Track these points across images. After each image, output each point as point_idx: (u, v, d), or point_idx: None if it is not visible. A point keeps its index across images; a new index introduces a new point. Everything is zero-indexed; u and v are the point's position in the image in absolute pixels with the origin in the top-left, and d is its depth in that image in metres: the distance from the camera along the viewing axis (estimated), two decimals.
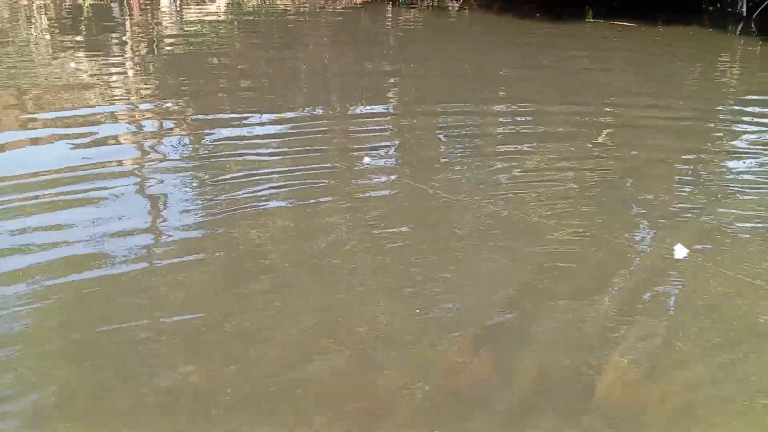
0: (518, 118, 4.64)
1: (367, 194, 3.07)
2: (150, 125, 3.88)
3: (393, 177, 3.30)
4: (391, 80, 5.76)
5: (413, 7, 11.60)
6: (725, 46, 8.94)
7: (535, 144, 4.01)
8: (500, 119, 4.61)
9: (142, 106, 4.22)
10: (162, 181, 3.04)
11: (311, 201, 2.89)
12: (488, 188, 3.20)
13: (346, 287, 2.29)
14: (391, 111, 4.72)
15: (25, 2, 8.12)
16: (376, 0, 11.90)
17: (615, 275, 2.44)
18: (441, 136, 4.18)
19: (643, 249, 2.69)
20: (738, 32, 11.33)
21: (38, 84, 4.45)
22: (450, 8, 11.96)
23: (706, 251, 2.67)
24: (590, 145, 4.03)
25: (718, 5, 16.61)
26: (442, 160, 3.66)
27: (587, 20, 11.87)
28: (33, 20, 6.90)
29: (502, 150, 3.87)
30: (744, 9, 15.15)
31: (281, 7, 9.99)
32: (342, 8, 10.46)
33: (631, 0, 15.61)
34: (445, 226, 2.78)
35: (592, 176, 3.44)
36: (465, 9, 12.05)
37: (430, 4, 12.21)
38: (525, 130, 4.40)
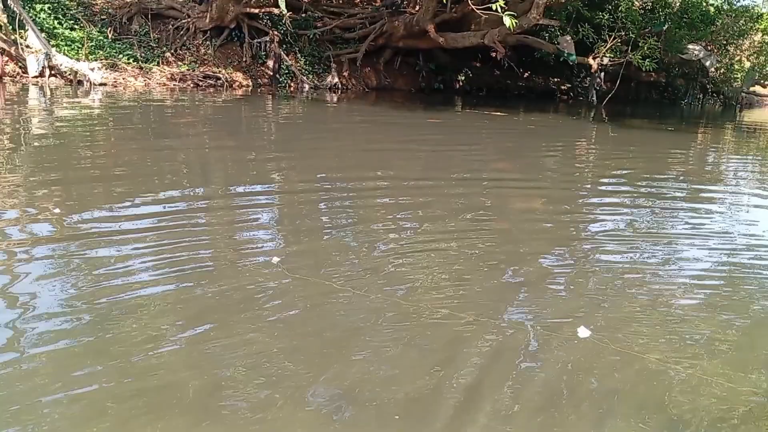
0: (398, 195, 4.80)
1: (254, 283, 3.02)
2: (15, 218, 3.65)
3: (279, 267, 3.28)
4: (271, 165, 5.83)
5: (292, 98, 11.91)
6: (581, 130, 9.76)
7: (415, 221, 4.16)
8: (378, 194, 4.74)
9: (8, 199, 3.98)
10: (28, 274, 2.85)
11: (195, 292, 2.81)
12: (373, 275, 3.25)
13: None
14: (275, 190, 4.75)
15: None
16: (255, 93, 12.14)
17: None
18: (323, 208, 4.24)
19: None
20: (591, 118, 12.44)
21: None
22: (328, 99, 12.38)
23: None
24: (467, 219, 4.23)
25: (571, 94, 18.37)
26: (324, 237, 3.69)
27: (457, 110, 12.64)
28: None
29: (382, 228, 3.97)
30: (594, 98, 16.78)
31: (159, 98, 9.92)
32: (222, 101, 10.56)
33: (493, 91, 16.92)
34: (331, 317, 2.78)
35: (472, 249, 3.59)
36: (342, 100, 12.52)
37: (309, 96, 12.61)
38: (403, 201, 4.56)
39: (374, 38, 14.45)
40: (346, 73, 14.48)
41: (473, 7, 9.06)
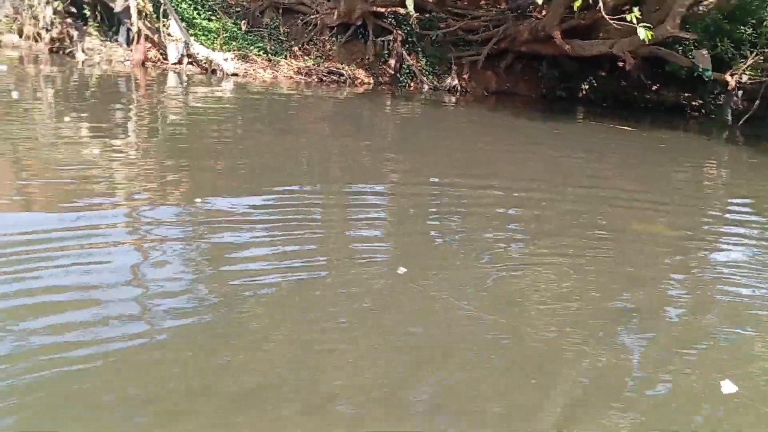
0: (511, 204, 4.74)
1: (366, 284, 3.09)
2: (148, 203, 3.91)
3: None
4: (389, 161, 5.92)
5: (411, 98, 12.01)
6: (712, 151, 9.21)
7: (526, 233, 4.09)
8: (490, 201, 4.70)
9: (142, 183, 4.27)
10: (160, 257, 3.06)
11: (309, 290, 2.91)
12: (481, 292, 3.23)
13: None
14: (386, 190, 4.82)
15: (33, 73, 8.34)
16: (376, 90, 12.33)
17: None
18: (434, 211, 4.26)
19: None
20: (725, 139, 11.67)
21: (35, 146, 4.53)
22: (446, 101, 12.37)
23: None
24: (581, 236, 4.11)
25: (702, 111, 17.22)
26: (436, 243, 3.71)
27: (579, 120, 12.27)
28: (39, 93, 7.07)
29: (492, 237, 3.94)
30: (729, 117, 15.75)
31: (285, 92, 10.30)
32: (343, 97, 10.81)
33: (619, 102, 16.21)
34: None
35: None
36: (461, 102, 12.47)
37: (428, 96, 12.66)
38: (515, 212, 4.50)
39: (497, 41, 14.27)
40: (466, 76, 14.40)
41: (605, 15, 8.76)
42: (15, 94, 6.36)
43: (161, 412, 1.91)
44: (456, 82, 13.92)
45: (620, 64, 14.04)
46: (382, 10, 13.21)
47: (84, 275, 2.69)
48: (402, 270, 3.11)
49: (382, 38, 13.48)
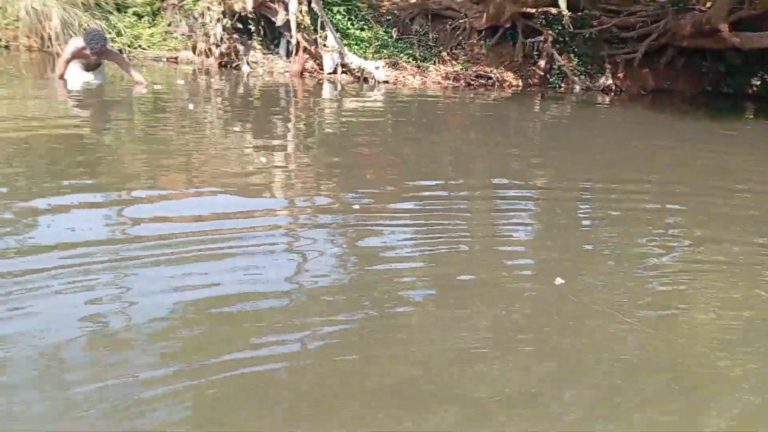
0: (670, 211, 4.50)
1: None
2: (303, 202, 4.15)
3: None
4: (538, 163, 5.84)
5: (562, 99, 11.71)
6: None
7: (688, 239, 3.87)
8: (646, 206, 4.49)
9: (297, 183, 4.54)
10: (308, 242, 3.25)
11: (459, 296, 2.95)
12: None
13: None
14: (536, 193, 4.76)
15: (204, 85, 9.09)
16: (524, 92, 12.15)
17: None
18: (586, 215, 4.15)
19: None
20: None
21: (205, 153, 4.96)
22: (599, 101, 11.93)
23: None
24: (754, 245, 3.83)
25: None
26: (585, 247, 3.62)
27: (747, 118, 11.35)
28: (209, 104, 7.70)
29: (646, 242, 3.77)
30: None
31: (433, 96, 10.46)
32: (492, 99, 10.77)
33: None
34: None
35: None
36: (615, 102, 11.97)
37: (580, 97, 12.28)
38: (674, 219, 4.26)
39: (656, 37, 13.54)
40: (621, 74, 13.79)
41: None
42: (191, 106, 6.98)
43: (317, 406, 2.04)
44: (610, 81, 13.39)
45: None
46: (532, 11, 13.00)
47: (242, 272, 2.91)
48: (560, 281, 3.05)
49: (532, 39, 13.25)
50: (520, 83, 12.92)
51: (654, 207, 4.62)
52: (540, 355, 2.41)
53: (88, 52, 6.88)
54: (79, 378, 2.01)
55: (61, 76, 7.10)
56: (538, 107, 10.59)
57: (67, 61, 7.08)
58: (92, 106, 6.68)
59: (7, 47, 10.19)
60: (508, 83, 12.79)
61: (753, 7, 12.07)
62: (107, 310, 2.43)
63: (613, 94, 13.18)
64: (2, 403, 1.87)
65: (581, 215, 4.38)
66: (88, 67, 7.25)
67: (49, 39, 10.08)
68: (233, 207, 3.79)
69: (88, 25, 10.11)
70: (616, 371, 2.34)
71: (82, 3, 10.29)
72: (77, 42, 7.04)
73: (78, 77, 7.17)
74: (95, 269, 2.73)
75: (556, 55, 13.23)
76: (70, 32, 10.01)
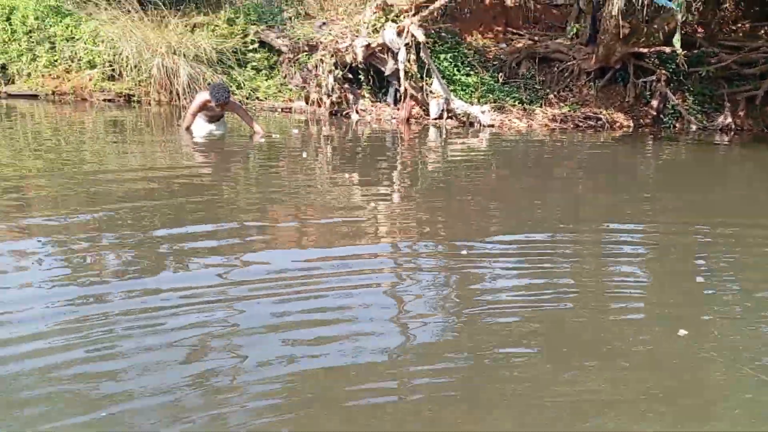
0: None
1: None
2: (407, 242, 4.25)
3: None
4: (649, 205, 5.66)
5: (676, 140, 11.28)
6: None
7: None
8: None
9: (401, 224, 4.66)
10: (414, 282, 3.32)
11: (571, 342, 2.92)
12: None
13: None
14: (647, 235, 4.61)
15: (315, 133, 9.52)
16: (636, 133, 11.82)
17: None
18: (701, 262, 3.97)
19: None
20: None
21: (313, 193, 5.20)
22: (717, 141, 11.40)
23: None
24: None
25: None
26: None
27: None
28: (320, 150, 8.06)
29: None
30: None
31: (539, 139, 10.39)
32: (600, 141, 10.56)
33: None
34: None
35: None
36: (735, 142, 11.40)
37: (696, 137, 11.79)
38: None
39: None
40: (741, 113, 13.11)
41: None
42: (304, 155, 7.34)
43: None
44: (729, 120, 12.76)
45: None
46: (644, 50, 12.69)
47: (346, 299, 3.03)
48: (683, 332, 2.93)
49: (644, 79, 12.91)
50: (631, 124, 12.58)
51: None
52: (667, 416, 2.33)
53: (213, 104, 7.47)
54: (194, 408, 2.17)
55: (188, 128, 7.72)
56: (650, 148, 10.26)
57: (194, 114, 7.71)
58: (213, 153, 7.18)
59: (139, 102, 11.17)
60: (618, 124, 12.48)
61: None
62: (217, 346, 2.61)
63: (732, 133, 12.53)
64: None
65: (698, 259, 4.19)
66: (212, 119, 7.84)
67: (177, 93, 10.96)
68: (338, 249, 3.96)
69: (212, 79, 10.93)
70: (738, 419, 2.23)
71: (206, 60, 11.15)
72: (203, 96, 7.65)
73: (202, 128, 7.77)
74: (207, 308, 2.94)
75: (669, 94, 12.80)
76: (196, 87, 10.84)
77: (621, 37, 12.08)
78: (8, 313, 2.73)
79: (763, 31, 14.33)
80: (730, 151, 10.44)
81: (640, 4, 11.20)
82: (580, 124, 12.20)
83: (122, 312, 2.81)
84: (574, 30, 13.39)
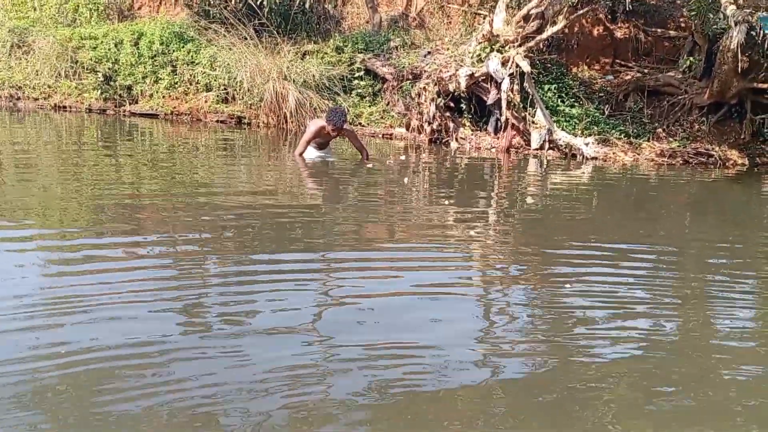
0: None
1: None
2: (499, 276, 4.24)
3: None
4: (761, 250, 5.35)
5: None
6: None
7: None
8: None
9: (495, 256, 4.64)
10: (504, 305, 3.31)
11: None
12: None
13: None
14: (758, 287, 4.36)
15: (416, 159, 9.64)
16: (751, 172, 11.20)
17: None
18: None
19: None
20: None
21: (409, 219, 5.26)
22: None
23: None
24: None
25: None
26: None
27: None
28: (418, 176, 8.16)
29: None
30: None
31: (645, 175, 10.06)
32: (711, 179, 10.08)
33: None
34: None
35: None
36: None
37: None
38: None
39: None
40: None
41: None
42: (406, 180, 7.45)
43: None
44: None
45: None
46: (764, 86, 12.03)
47: (433, 329, 3.06)
48: None
49: (762, 116, 12.23)
50: (746, 162, 11.91)
51: None
52: None
53: (329, 129, 7.56)
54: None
55: (301, 154, 7.88)
56: (767, 188, 9.69)
57: (308, 141, 7.83)
58: (319, 178, 7.42)
59: (249, 124, 11.73)
60: (731, 161, 11.86)
61: None
62: (303, 374, 2.66)
63: None
64: None
65: None
66: (321, 147, 8.04)
67: (285, 117, 11.43)
68: (429, 277, 4.00)
69: (318, 104, 11.32)
70: None
71: (314, 86, 11.58)
72: (318, 123, 7.81)
73: (312, 155, 7.98)
74: (291, 333, 3.05)
75: None
76: (303, 112, 11.27)
77: (739, 71, 11.54)
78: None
79: None
80: None
81: (761, 37, 10.67)
82: (690, 159, 11.68)
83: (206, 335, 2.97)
84: (687, 63, 12.90)
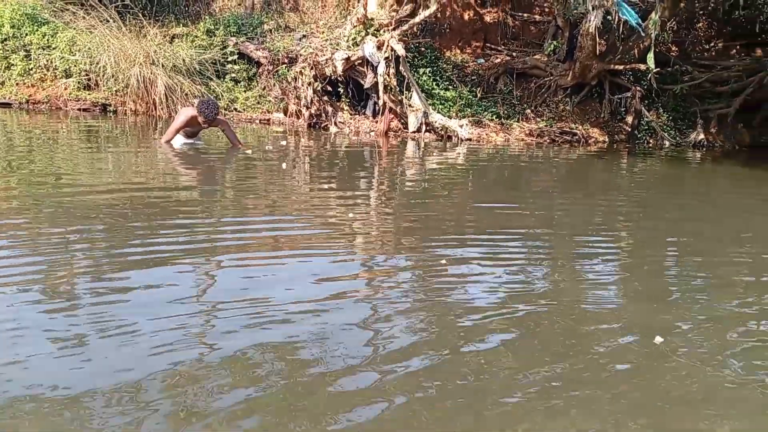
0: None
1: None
2: (383, 255, 4.26)
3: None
4: (622, 218, 5.73)
5: (650, 155, 11.46)
6: None
7: None
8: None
9: (373, 233, 4.67)
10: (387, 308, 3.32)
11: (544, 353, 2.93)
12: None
13: None
14: (621, 249, 4.67)
15: (293, 144, 9.51)
16: (610, 149, 11.98)
17: None
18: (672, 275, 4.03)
19: None
20: None
21: (287, 204, 5.19)
22: (690, 157, 11.61)
23: None
24: None
25: None
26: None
27: None
28: (299, 162, 8.05)
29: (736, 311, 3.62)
30: None
31: (516, 154, 10.49)
32: (575, 157, 10.69)
33: None
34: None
35: None
36: (707, 159, 11.61)
37: (669, 153, 11.98)
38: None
39: (751, 92, 13.12)
40: (713, 130, 13.41)
41: None
42: (284, 165, 7.32)
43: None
44: (702, 136, 13.05)
45: None
46: (620, 68, 12.92)
47: (319, 308, 3.02)
48: (659, 339, 2.96)
49: (619, 96, 13.15)
50: (607, 139, 12.77)
51: (743, 269, 4.43)
52: (633, 414, 2.35)
53: (200, 120, 7.27)
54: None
55: (168, 142, 7.58)
56: (625, 164, 10.41)
57: (177, 130, 7.53)
58: (190, 166, 7.13)
59: (115, 112, 11.09)
60: (593, 139, 12.67)
61: None
62: (185, 358, 2.57)
63: (704, 149, 12.78)
64: None
65: (669, 273, 4.25)
66: (191, 135, 7.75)
67: (153, 103, 10.90)
68: (314, 261, 3.95)
69: (190, 90, 10.89)
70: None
71: (185, 70, 11.11)
72: (189, 112, 7.48)
73: (180, 143, 7.67)
74: (179, 326, 2.91)
75: (644, 111, 13.03)
76: (174, 98, 10.80)
77: (597, 54, 12.29)
78: None
79: (734, 51, 14.67)
80: (702, 167, 10.62)
81: (616, 22, 11.41)
82: (556, 138, 12.36)
83: (92, 325, 2.78)
84: (552, 47, 13.60)
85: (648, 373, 2.66)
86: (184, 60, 11.11)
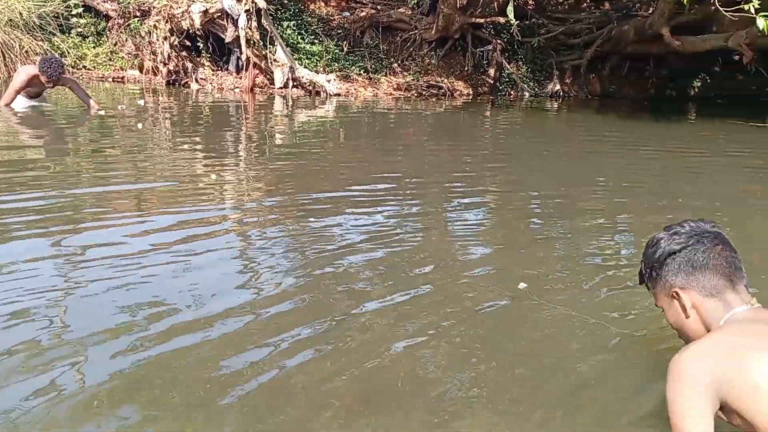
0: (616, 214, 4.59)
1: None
2: (255, 210, 4.11)
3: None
4: (489, 170, 5.90)
5: (512, 106, 11.90)
6: None
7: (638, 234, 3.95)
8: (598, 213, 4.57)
9: (245, 191, 4.50)
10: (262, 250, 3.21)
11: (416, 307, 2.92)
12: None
13: None
14: (489, 200, 4.80)
15: (151, 104, 8.95)
16: (475, 101, 12.32)
17: None
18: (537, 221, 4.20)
19: None
20: None
21: (153, 166, 4.88)
22: (548, 107, 12.17)
23: None
24: None
25: None
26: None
27: (690, 119, 11.71)
28: (158, 122, 7.59)
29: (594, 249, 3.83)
30: None
31: (385, 108, 10.51)
32: (443, 109, 10.88)
33: (738, 98, 15.23)
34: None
35: None
36: (563, 108, 12.23)
37: (529, 104, 12.50)
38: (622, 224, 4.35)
39: (601, 44, 13.90)
40: (568, 81, 14.13)
41: (719, 7, 8.30)
42: (139, 126, 6.86)
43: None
44: (558, 87, 13.71)
45: (736, 57, 13.26)
46: (481, 21, 13.22)
47: (192, 266, 2.86)
48: (522, 285, 3.03)
49: (481, 49, 13.47)
50: (471, 92, 13.10)
51: (603, 213, 4.70)
52: (507, 364, 2.40)
53: (43, 80, 6.62)
54: None
55: (8, 105, 6.86)
56: (488, 115, 10.73)
57: (18, 91, 6.82)
58: (38, 128, 6.51)
59: None
60: (458, 92, 12.95)
61: (694, 11, 12.47)
62: (41, 332, 2.34)
63: (561, 100, 13.46)
64: None
65: (535, 222, 4.41)
66: (33, 96, 7.06)
67: None
68: (182, 220, 3.73)
69: (30, 47, 9.91)
70: (590, 373, 2.35)
71: (23, 25, 10.07)
72: (29, 70, 6.79)
73: (22, 104, 6.97)
74: (38, 295, 2.64)
75: (505, 63, 13.47)
76: (11, 55, 9.79)
77: (459, 7, 12.48)
78: None
79: (585, 4, 15.43)
80: (558, 116, 11.18)
81: None
82: (423, 92, 12.51)
83: None
84: (415, 0, 13.64)
85: (512, 315, 2.74)
86: (20, 13, 10.06)
